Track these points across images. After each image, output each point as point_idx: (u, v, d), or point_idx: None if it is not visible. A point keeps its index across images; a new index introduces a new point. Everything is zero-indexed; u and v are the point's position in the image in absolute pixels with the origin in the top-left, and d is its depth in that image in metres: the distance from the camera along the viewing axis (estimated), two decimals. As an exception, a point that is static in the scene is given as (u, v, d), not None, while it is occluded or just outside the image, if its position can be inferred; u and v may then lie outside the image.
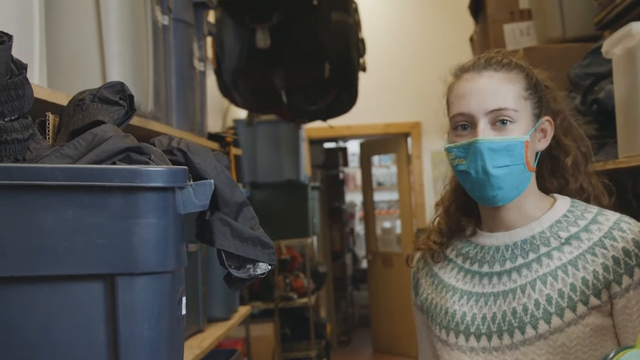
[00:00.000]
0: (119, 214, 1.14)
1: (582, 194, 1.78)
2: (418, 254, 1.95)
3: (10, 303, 1.14)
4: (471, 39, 4.75)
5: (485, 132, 1.64)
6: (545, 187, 1.79)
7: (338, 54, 4.62)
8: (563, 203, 1.74)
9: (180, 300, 1.27)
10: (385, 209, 11.59)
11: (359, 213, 12.15)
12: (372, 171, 9.99)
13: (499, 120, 1.65)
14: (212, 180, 1.28)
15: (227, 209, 1.33)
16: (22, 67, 1.18)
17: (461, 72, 1.73)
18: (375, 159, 10.39)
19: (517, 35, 3.61)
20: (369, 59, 5.09)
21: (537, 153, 1.72)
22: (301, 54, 4.51)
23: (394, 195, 10.87)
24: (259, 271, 1.35)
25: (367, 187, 9.81)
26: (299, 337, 6.58)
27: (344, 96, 4.93)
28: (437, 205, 1.93)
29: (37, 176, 1.11)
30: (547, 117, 1.72)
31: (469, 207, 1.83)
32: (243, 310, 3.61)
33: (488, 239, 1.77)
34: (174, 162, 1.29)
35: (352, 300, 11.08)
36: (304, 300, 6.33)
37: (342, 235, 10.49)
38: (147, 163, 1.20)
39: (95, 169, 1.14)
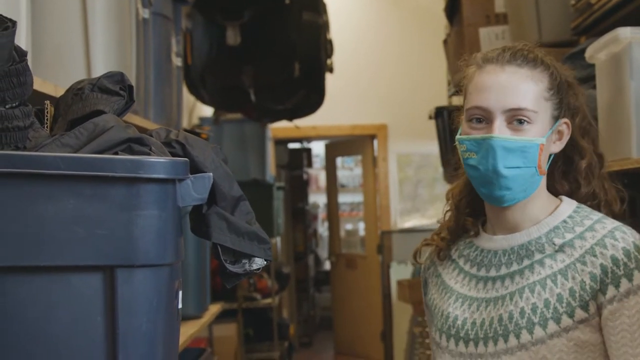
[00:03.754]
0: (121, 204, 1.13)
1: (593, 199, 1.71)
2: (427, 251, 1.89)
3: (8, 293, 1.13)
4: (445, 42, 4.77)
5: (500, 130, 1.58)
6: (555, 188, 1.73)
7: (308, 54, 4.62)
8: (567, 208, 1.68)
9: (177, 293, 1.26)
10: (347, 211, 11.55)
11: (321, 214, 12.13)
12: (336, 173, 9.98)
13: (516, 119, 1.59)
14: (211, 174, 1.27)
15: (224, 203, 1.32)
16: (23, 54, 1.16)
17: (484, 62, 1.65)
18: (339, 160, 10.37)
19: (492, 39, 3.63)
20: (336, 60, 5.09)
21: (549, 155, 1.67)
22: (272, 53, 4.50)
23: (356, 198, 10.86)
24: (254, 266, 1.35)
25: (332, 189, 9.77)
26: (261, 338, 6.53)
27: (311, 97, 4.93)
28: (447, 195, 1.86)
29: (39, 165, 1.10)
30: (565, 120, 1.66)
31: (478, 205, 1.77)
32: (214, 309, 3.57)
33: (488, 243, 1.73)
34: (172, 155, 1.28)
35: (314, 302, 11.06)
36: (268, 300, 6.29)
37: (305, 236, 10.47)
38: (148, 154, 1.19)
39: (99, 158, 1.12)
